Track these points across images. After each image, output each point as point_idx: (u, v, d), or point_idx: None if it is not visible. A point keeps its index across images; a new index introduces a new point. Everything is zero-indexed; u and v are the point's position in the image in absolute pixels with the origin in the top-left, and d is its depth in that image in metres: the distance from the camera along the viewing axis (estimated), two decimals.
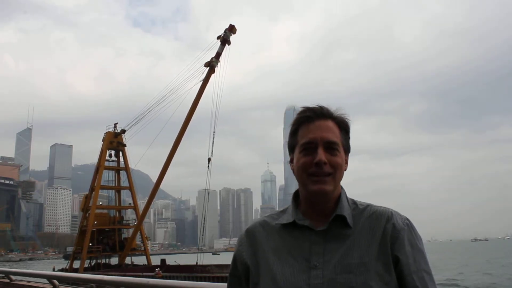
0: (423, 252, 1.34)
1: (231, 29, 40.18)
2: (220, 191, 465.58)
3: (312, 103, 1.43)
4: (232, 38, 40.12)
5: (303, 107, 1.44)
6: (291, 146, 1.44)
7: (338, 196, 1.40)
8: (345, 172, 1.40)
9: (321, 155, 1.34)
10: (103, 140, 47.90)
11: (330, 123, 1.40)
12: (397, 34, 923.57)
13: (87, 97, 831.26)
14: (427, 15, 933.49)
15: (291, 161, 1.44)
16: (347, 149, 1.43)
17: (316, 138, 1.36)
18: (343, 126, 1.42)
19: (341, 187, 1.43)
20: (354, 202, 1.42)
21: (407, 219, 1.37)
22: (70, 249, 67.69)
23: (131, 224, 49.83)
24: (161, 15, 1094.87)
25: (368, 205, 1.41)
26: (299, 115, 1.43)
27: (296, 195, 1.46)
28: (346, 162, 1.42)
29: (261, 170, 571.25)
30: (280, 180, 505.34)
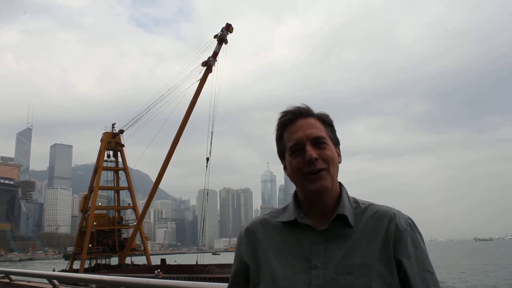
0: (425, 252, 1.33)
1: (228, 28, 40.17)
2: (220, 191, 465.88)
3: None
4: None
5: (282, 112, 1.42)
6: (281, 153, 1.43)
7: (339, 194, 1.38)
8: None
9: (311, 151, 1.32)
10: (101, 141, 47.82)
11: (312, 120, 1.38)
12: (399, 34, 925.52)
13: (88, 97, 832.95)
14: (428, 16, 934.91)
15: (285, 168, 1.42)
16: (336, 142, 1.41)
17: (302, 137, 1.34)
18: (326, 121, 1.41)
19: (342, 185, 1.41)
20: (356, 201, 1.40)
21: (410, 219, 1.35)
22: (70, 249, 67.68)
23: (130, 225, 49.75)
24: (164, 16, 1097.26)
25: (370, 204, 1.38)
26: (280, 120, 1.41)
27: (296, 193, 1.43)
28: (339, 155, 1.40)
29: (261, 170, 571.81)
30: (280, 180, 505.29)
